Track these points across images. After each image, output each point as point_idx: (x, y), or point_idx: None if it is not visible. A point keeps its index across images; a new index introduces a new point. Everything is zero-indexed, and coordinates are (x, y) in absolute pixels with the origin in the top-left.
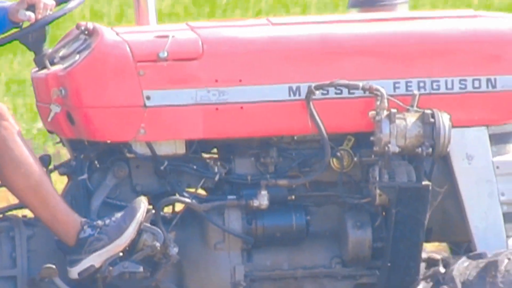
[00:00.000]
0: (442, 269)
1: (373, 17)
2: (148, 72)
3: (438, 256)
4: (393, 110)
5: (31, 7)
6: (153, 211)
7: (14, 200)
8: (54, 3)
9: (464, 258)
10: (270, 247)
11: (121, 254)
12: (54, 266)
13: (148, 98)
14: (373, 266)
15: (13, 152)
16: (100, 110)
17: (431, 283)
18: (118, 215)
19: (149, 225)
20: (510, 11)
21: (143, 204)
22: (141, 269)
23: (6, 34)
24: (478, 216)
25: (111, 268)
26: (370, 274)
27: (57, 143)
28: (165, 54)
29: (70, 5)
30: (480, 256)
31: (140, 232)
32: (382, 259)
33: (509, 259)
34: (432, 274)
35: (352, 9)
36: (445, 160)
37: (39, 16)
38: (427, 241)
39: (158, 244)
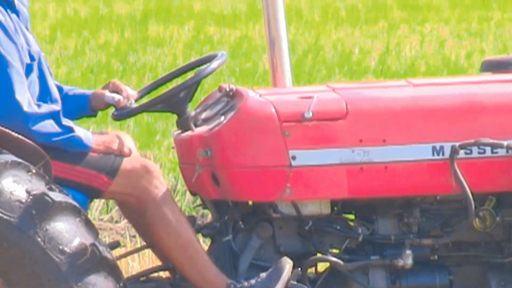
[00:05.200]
0: None
1: None
2: (294, 132)
3: None
4: None
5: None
6: (300, 269)
7: (157, 262)
8: (136, 95)
9: None
10: None
11: None
12: None
13: (293, 158)
14: None
15: (164, 211)
16: (246, 170)
17: None
18: (264, 275)
19: (295, 283)
20: None
21: (288, 264)
22: None
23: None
24: None
25: None
26: None
27: (198, 205)
28: (310, 114)
29: (213, 65)
30: None
31: None
32: None
33: None
34: None
35: (485, 73)
36: None
37: (121, 105)
38: None
39: None
